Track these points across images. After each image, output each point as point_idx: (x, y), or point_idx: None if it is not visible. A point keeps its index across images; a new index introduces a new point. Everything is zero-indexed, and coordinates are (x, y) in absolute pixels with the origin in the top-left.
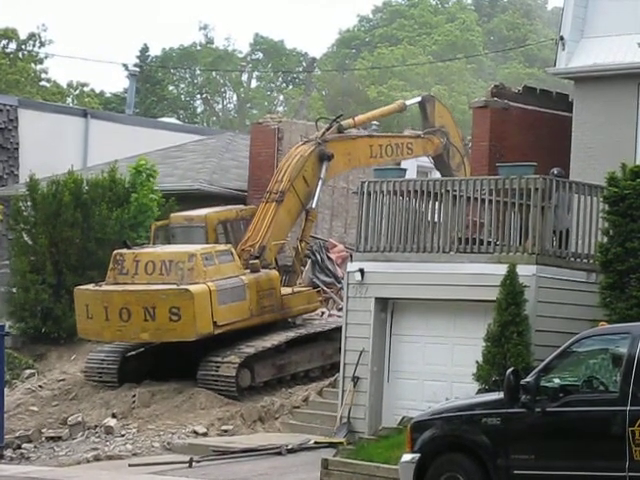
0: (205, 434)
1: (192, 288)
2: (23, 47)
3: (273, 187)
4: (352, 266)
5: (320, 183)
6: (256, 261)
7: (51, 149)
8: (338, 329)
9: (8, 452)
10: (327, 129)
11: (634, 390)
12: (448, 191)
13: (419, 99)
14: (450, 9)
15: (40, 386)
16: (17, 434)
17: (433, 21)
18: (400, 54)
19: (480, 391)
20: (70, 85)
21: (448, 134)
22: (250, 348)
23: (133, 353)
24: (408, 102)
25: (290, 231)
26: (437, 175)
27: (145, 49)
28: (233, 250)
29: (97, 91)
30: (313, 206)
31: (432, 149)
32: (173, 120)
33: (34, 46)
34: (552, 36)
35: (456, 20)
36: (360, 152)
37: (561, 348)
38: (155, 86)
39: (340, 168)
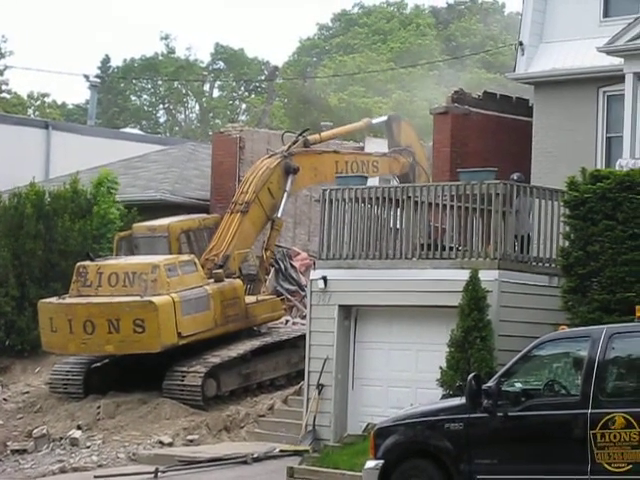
0: (171, 444)
1: (156, 300)
2: None
3: (238, 198)
4: (315, 274)
5: (285, 195)
6: (220, 270)
7: (13, 161)
8: (303, 337)
9: None
10: (293, 142)
11: (595, 393)
12: (410, 197)
13: (385, 118)
14: (408, 15)
15: (4, 399)
16: None
17: (386, 27)
18: (361, 61)
19: (444, 397)
20: (31, 96)
21: (414, 154)
22: (216, 357)
23: (98, 364)
24: (374, 121)
25: (255, 241)
26: None
27: (106, 59)
28: (196, 260)
29: (58, 102)
30: (279, 216)
31: (398, 168)
32: (135, 130)
33: None
34: (510, 41)
35: (410, 25)
36: (326, 167)
37: (522, 352)
38: (117, 97)
39: (306, 182)
